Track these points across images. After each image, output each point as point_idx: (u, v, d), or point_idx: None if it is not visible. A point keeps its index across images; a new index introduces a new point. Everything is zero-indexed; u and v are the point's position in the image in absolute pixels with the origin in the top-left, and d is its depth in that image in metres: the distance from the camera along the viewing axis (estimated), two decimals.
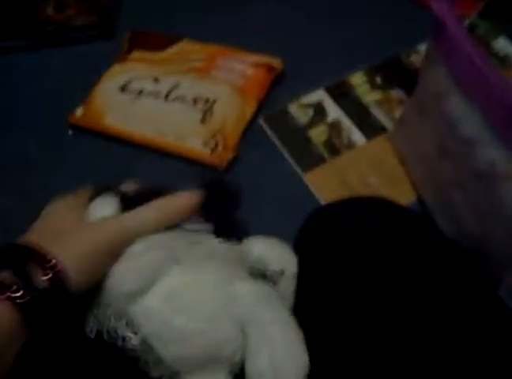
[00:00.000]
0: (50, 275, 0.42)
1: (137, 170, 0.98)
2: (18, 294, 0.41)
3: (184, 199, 0.52)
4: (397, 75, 1.04)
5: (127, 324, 0.44)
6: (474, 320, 0.50)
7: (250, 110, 1.01)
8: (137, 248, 0.47)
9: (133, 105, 1.04)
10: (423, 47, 1.06)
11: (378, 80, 1.04)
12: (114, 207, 0.52)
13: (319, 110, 1.02)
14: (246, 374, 0.45)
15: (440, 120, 0.73)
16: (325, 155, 0.97)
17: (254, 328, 0.45)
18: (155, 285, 0.45)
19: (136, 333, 0.44)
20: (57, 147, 1.05)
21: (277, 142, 0.99)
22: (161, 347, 0.45)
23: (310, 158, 0.97)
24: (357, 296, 0.53)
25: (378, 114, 1.00)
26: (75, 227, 0.49)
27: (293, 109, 1.03)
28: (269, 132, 1.01)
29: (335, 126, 1.00)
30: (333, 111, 1.01)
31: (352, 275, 0.55)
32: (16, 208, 0.97)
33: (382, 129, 0.98)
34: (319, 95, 1.04)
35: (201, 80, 1.05)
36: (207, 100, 1.02)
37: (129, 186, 0.57)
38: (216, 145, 0.97)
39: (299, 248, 0.61)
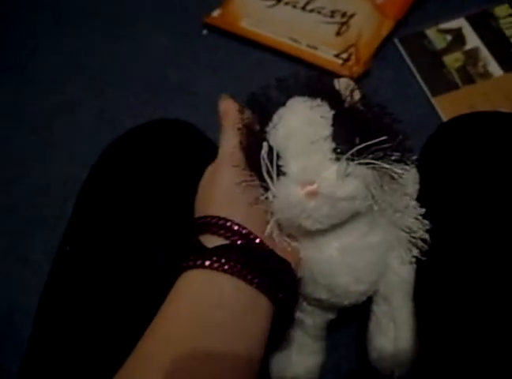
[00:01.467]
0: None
1: (268, 73, 1.00)
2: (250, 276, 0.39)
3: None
4: None
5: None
6: None
7: (386, 28, 1.00)
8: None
9: (270, 11, 1.06)
10: None
11: None
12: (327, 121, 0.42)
13: (458, 37, 0.99)
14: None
15: None
16: (458, 81, 0.95)
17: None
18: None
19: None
20: (192, 45, 1.09)
21: (410, 63, 0.98)
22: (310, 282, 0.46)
23: (442, 82, 0.95)
24: (483, 210, 0.51)
25: None
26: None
27: (430, 33, 1.01)
28: (403, 52, 1.00)
29: (472, 55, 0.97)
30: (472, 40, 0.99)
31: (477, 187, 0.53)
32: (149, 98, 1.03)
33: None
34: (459, 23, 1.01)
35: None
36: (344, 14, 1.02)
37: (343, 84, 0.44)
38: (349, 58, 0.97)
39: (422, 166, 0.60)
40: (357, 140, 0.40)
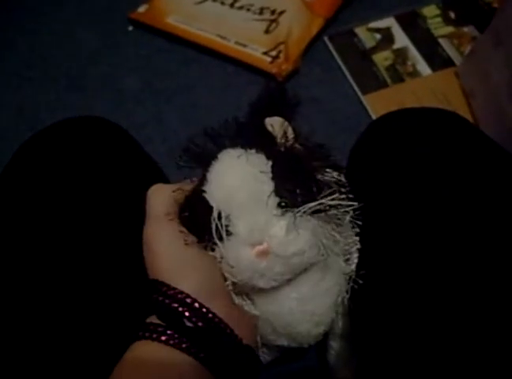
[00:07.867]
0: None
1: (195, 70, 0.97)
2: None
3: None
4: (471, 12, 1.00)
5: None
6: None
7: (316, 26, 0.99)
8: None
9: (197, 8, 1.03)
10: None
11: (452, 15, 1.01)
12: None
13: (387, 36, 0.99)
14: None
15: None
16: (388, 80, 0.94)
17: None
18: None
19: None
20: (116, 40, 1.04)
21: (340, 61, 0.97)
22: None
23: (372, 81, 0.94)
24: (414, 210, 0.50)
25: (448, 47, 0.97)
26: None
27: (360, 32, 1.00)
28: (333, 51, 0.98)
29: (401, 54, 0.97)
30: (401, 39, 0.99)
31: (407, 186, 0.52)
32: (71, 94, 0.97)
33: (450, 63, 0.95)
34: (388, 22, 1.01)
35: None
36: (274, 11, 1.00)
37: (276, 125, 0.42)
38: (278, 55, 0.95)
39: (352, 165, 0.59)
40: (298, 191, 0.38)
